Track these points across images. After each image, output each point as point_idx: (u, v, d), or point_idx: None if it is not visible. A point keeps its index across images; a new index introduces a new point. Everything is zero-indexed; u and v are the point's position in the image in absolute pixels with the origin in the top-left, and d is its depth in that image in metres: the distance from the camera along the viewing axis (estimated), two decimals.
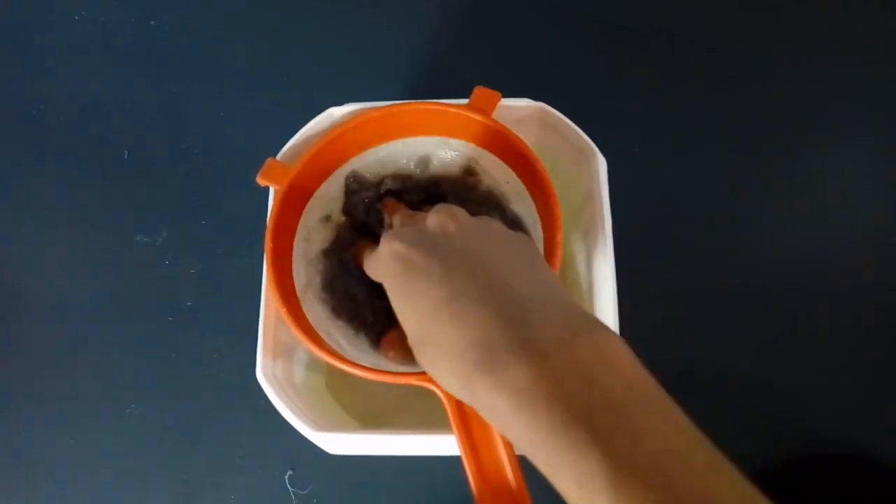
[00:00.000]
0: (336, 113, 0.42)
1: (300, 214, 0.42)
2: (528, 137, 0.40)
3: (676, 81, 0.56)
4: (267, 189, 0.55)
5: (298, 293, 0.40)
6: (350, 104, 0.42)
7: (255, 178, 0.58)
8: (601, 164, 0.41)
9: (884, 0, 0.58)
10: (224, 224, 0.55)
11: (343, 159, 0.43)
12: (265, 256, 0.38)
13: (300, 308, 0.39)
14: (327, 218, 0.42)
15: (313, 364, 0.46)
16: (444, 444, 0.36)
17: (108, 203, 0.56)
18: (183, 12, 0.61)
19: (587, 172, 0.41)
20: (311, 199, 0.42)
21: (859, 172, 0.55)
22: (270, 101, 0.58)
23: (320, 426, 0.38)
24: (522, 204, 0.41)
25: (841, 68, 0.57)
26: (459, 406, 0.32)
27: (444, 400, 0.32)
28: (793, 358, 0.50)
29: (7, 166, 0.58)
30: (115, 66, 0.60)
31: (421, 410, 0.44)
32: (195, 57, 0.60)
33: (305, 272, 0.41)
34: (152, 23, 0.61)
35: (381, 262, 0.32)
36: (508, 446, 0.31)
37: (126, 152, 0.57)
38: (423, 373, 0.34)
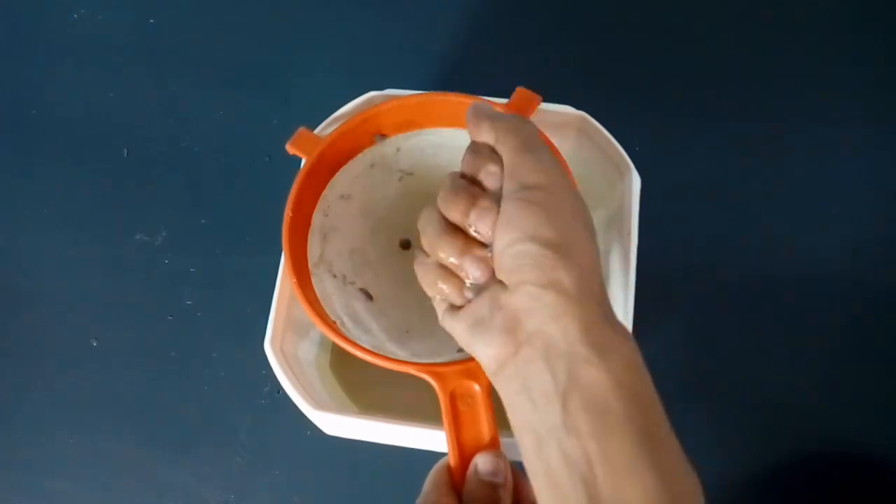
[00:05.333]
0: (375, 97, 0.42)
1: (323, 188, 0.42)
2: (564, 145, 0.40)
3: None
4: (268, 186, 0.55)
5: (311, 266, 0.40)
6: (390, 89, 0.42)
7: (254, 178, 0.58)
8: (635, 181, 0.40)
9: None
10: (224, 223, 0.55)
11: (374, 140, 0.43)
12: (283, 226, 0.38)
13: (310, 281, 0.39)
14: (347, 196, 0.42)
15: (321, 344, 0.46)
16: (443, 440, 0.36)
17: (107, 202, 0.56)
18: (183, 11, 0.61)
19: (620, 187, 0.41)
20: (336, 175, 0.42)
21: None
22: (271, 101, 0.58)
23: (321, 405, 0.38)
24: None
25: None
26: (453, 400, 0.33)
27: (438, 390, 0.33)
28: (794, 358, 0.50)
29: (6, 166, 0.58)
30: (115, 65, 0.60)
31: (421, 402, 0.44)
32: (195, 56, 0.59)
33: (320, 245, 0.41)
34: (152, 21, 0.61)
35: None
36: (493, 441, 0.33)
37: (125, 151, 0.57)
38: (422, 363, 0.35)
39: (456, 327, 0.30)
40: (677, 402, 0.49)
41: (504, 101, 0.40)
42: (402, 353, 0.38)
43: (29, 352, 0.53)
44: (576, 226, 0.28)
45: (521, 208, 0.28)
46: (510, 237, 0.28)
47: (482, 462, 0.32)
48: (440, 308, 0.31)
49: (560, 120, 0.42)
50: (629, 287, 0.39)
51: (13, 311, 0.54)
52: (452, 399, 0.33)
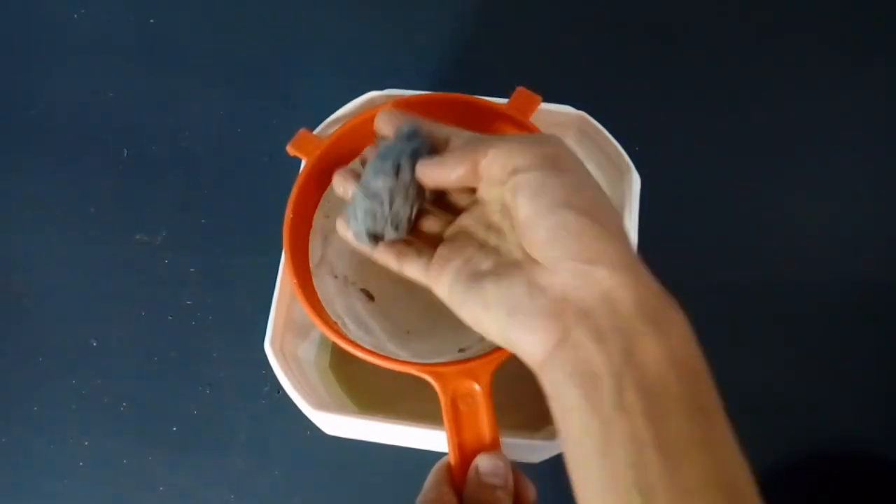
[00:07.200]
0: (376, 97, 0.42)
1: (324, 190, 0.42)
2: None
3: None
4: (268, 186, 0.55)
5: (312, 267, 0.40)
6: (390, 89, 0.42)
7: (254, 178, 0.58)
8: (635, 181, 0.41)
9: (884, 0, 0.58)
10: (224, 223, 0.55)
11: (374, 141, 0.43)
12: (284, 228, 0.38)
13: (311, 281, 0.39)
14: None
15: (321, 344, 0.46)
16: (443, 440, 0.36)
17: (107, 202, 0.56)
18: (183, 11, 0.61)
19: (620, 187, 0.42)
20: None
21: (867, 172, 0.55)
22: (271, 101, 0.58)
23: (321, 405, 0.38)
24: None
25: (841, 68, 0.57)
26: (453, 400, 0.33)
27: (439, 390, 0.33)
28: (794, 357, 0.50)
29: (6, 166, 0.58)
30: (115, 64, 0.60)
31: (421, 402, 0.44)
32: (195, 56, 0.59)
33: (322, 246, 0.41)
34: (152, 21, 0.61)
35: None
36: (494, 441, 0.33)
37: (125, 151, 0.57)
38: (423, 363, 0.35)
39: (482, 316, 0.26)
40: None
41: (504, 101, 0.40)
42: (402, 354, 0.38)
43: (29, 352, 0.53)
44: (599, 191, 0.26)
45: (549, 176, 0.25)
46: (540, 205, 0.25)
47: (483, 462, 0.32)
48: (452, 281, 0.28)
49: (560, 120, 0.42)
50: None
51: (13, 312, 0.54)
52: (453, 399, 0.33)
